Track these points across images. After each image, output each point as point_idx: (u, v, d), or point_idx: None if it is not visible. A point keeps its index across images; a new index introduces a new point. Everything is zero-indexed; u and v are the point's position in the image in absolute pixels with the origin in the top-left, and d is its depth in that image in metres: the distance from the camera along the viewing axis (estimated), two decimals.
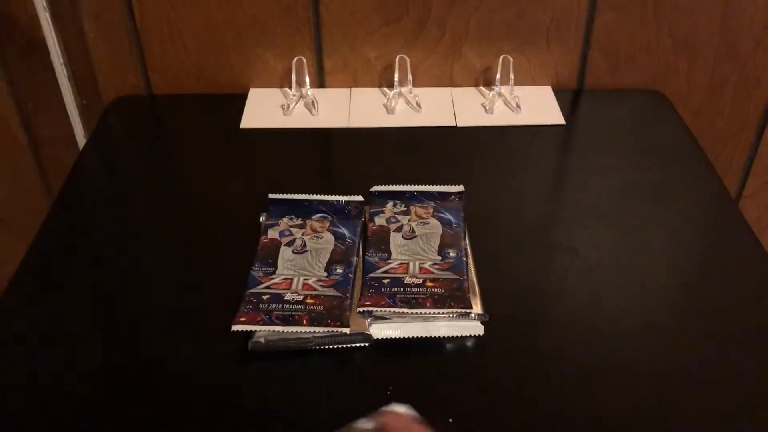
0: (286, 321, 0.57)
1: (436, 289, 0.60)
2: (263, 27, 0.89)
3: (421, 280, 0.61)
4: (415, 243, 0.65)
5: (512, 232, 0.70)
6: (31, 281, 0.66)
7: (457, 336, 0.58)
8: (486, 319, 0.58)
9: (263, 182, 0.78)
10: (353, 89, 0.93)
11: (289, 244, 0.65)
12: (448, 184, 0.71)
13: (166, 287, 0.64)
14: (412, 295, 0.59)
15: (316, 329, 0.57)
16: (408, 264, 0.63)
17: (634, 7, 0.88)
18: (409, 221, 0.67)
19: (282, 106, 0.89)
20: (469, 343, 0.58)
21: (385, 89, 0.93)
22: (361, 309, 0.59)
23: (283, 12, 0.88)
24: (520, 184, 0.78)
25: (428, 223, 0.67)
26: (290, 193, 0.69)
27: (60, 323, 0.61)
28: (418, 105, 0.89)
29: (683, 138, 0.85)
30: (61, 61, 0.85)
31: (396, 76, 0.89)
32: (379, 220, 0.68)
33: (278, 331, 0.57)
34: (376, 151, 0.83)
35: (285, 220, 0.68)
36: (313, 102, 0.89)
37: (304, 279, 0.62)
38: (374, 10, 0.88)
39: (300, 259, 0.64)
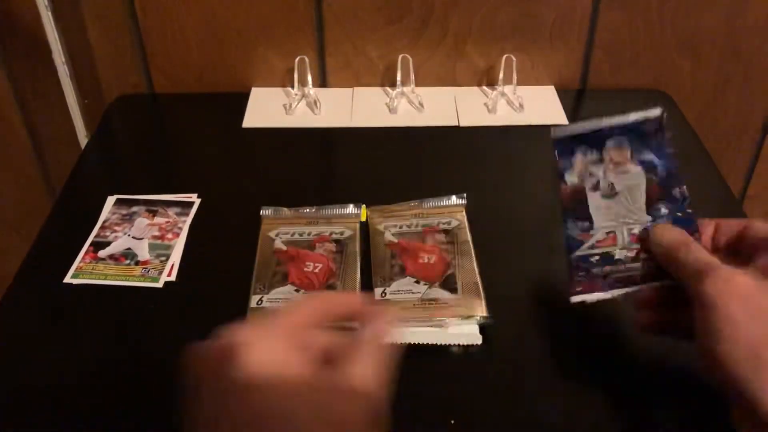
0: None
1: (652, 262, 0.52)
2: (266, 26, 0.89)
3: (633, 253, 0.53)
4: (618, 202, 0.54)
5: (515, 233, 0.70)
6: (34, 280, 0.66)
7: (459, 337, 0.58)
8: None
9: (265, 181, 0.78)
10: (356, 89, 0.93)
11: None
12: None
13: (168, 283, 0.64)
14: (627, 273, 0.53)
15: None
16: (616, 232, 0.54)
17: (638, 7, 0.88)
18: (605, 173, 0.55)
19: (284, 106, 0.89)
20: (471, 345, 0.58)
21: (388, 89, 0.92)
22: (576, 299, 0.54)
23: (286, 11, 0.87)
24: (523, 184, 0.78)
25: (627, 172, 0.54)
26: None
27: (63, 321, 0.61)
28: (421, 105, 0.89)
29: (687, 138, 0.85)
30: (63, 60, 0.85)
31: (398, 75, 0.89)
32: (571, 178, 0.55)
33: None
34: (379, 150, 0.83)
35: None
36: (315, 101, 0.89)
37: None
38: (377, 10, 0.87)
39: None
